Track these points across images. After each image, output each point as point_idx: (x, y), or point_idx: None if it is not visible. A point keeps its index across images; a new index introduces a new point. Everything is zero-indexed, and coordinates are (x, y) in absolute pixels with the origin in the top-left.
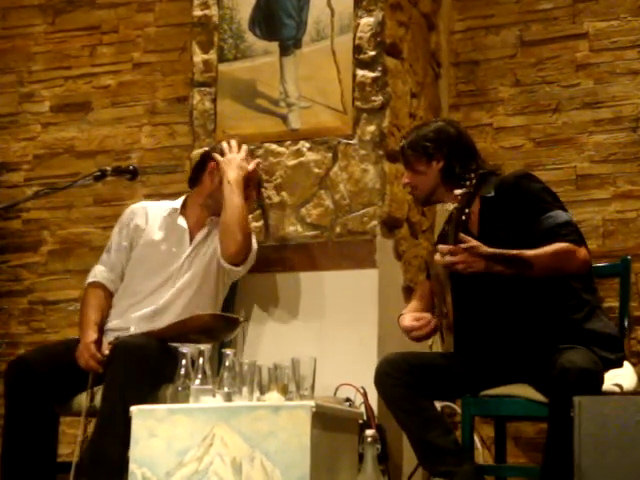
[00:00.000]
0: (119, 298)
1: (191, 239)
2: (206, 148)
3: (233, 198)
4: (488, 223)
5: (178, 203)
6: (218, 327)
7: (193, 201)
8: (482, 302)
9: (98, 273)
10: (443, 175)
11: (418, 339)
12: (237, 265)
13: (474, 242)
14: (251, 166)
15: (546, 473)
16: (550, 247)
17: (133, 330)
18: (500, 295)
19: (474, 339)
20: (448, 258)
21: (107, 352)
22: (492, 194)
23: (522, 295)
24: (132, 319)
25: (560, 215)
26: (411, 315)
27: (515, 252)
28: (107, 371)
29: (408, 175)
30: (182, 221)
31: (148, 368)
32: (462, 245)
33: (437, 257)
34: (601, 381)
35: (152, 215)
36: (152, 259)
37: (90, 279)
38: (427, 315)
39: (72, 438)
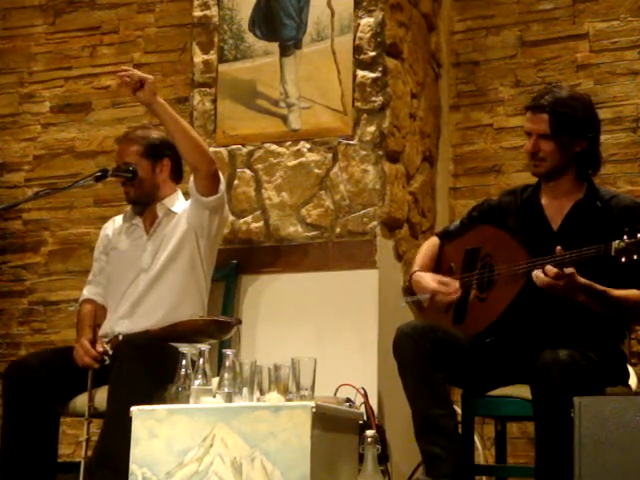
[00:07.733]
0: (108, 308)
1: (147, 231)
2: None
3: (166, 118)
4: (573, 227)
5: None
6: (210, 330)
7: None
8: (532, 306)
9: (86, 291)
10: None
11: (425, 309)
12: (215, 193)
13: (572, 269)
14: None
15: (540, 474)
16: (636, 294)
17: (118, 330)
18: (553, 309)
19: (503, 334)
20: (549, 280)
21: (101, 349)
22: (598, 204)
23: (571, 319)
24: (114, 321)
25: None
26: (433, 276)
27: (603, 289)
28: (112, 370)
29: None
30: (137, 219)
31: (153, 366)
32: (566, 271)
33: (538, 273)
34: (587, 379)
35: (117, 224)
36: (119, 263)
37: (81, 298)
38: (454, 282)
39: (72, 438)
